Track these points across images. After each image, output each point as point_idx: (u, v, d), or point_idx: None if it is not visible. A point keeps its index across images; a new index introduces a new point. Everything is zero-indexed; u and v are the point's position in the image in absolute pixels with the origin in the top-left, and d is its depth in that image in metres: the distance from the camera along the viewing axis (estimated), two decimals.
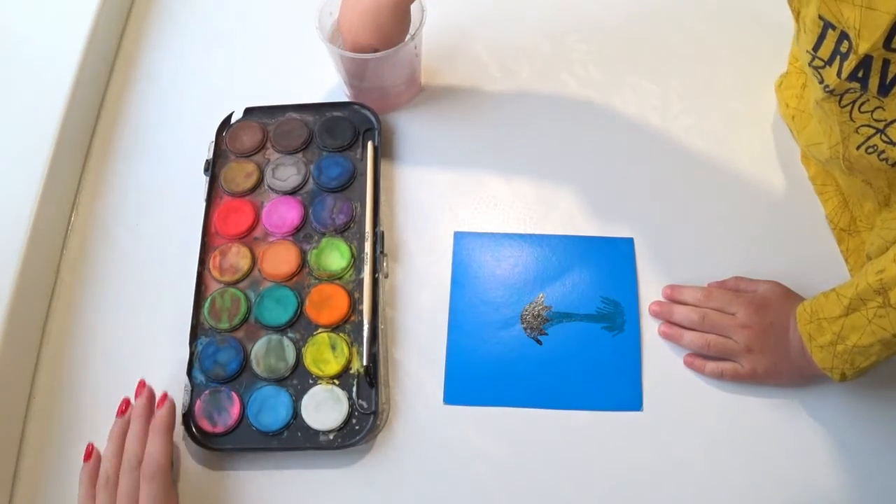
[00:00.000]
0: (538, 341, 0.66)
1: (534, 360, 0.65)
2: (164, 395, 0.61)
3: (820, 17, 0.50)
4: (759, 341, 0.62)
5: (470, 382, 0.64)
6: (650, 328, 0.66)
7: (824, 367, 0.57)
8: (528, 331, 0.66)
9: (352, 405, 0.62)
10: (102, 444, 0.60)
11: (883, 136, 0.52)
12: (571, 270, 0.69)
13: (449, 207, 0.72)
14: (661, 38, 0.81)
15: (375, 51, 0.69)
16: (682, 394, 0.63)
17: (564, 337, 0.66)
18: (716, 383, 0.63)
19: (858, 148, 0.55)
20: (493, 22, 0.84)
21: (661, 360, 0.65)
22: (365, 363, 0.63)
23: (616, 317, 0.66)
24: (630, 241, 0.70)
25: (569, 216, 0.72)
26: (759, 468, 0.60)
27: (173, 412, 0.61)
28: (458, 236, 0.71)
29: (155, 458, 0.56)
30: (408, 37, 0.70)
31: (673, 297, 0.66)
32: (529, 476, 0.61)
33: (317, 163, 0.73)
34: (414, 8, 0.72)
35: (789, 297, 0.63)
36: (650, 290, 0.67)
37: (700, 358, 0.64)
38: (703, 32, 0.82)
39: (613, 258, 0.69)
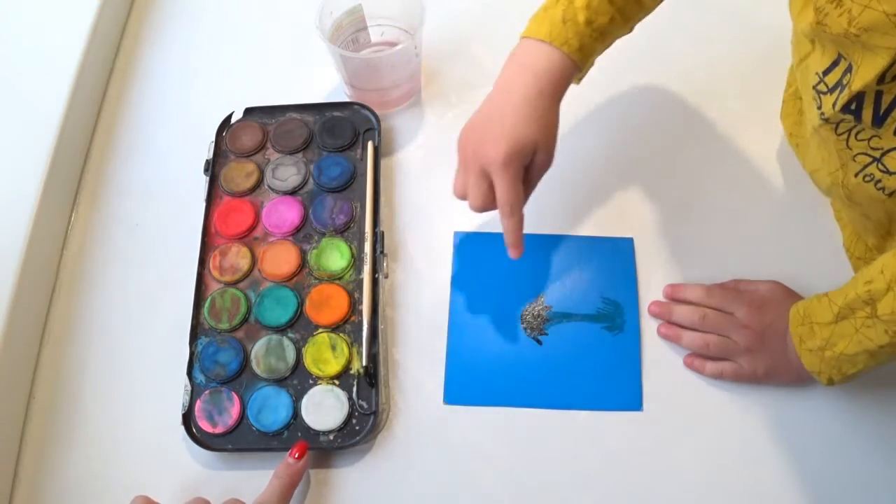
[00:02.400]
0: (538, 341, 0.66)
1: (534, 361, 0.65)
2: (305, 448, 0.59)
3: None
4: (759, 341, 0.62)
5: (470, 382, 0.64)
6: (650, 328, 0.66)
7: (812, 370, 0.57)
8: (528, 331, 0.66)
9: (352, 405, 0.62)
10: (101, 447, 0.60)
11: (879, 165, 0.52)
12: (571, 270, 0.69)
13: (449, 207, 0.72)
14: (661, 38, 0.81)
15: (536, 146, 0.60)
16: (682, 394, 0.63)
17: (564, 337, 0.66)
18: (716, 383, 0.63)
19: (857, 175, 0.55)
20: (493, 22, 0.84)
21: (661, 360, 0.65)
22: (365, 363, 0.63)
23: (616, 317, 0.66)
24: (630, 241, 0.70)
25: (569, 216, 0.71)
26: (759, 468, 0.60)
27: (304, 470, 0.59)
28: (458, 236, 0.71)
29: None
30: (409, 38, 0.70)
31: (673, 295, 0.66)
32: (529, 476, 0.61)
33: (317, 163, 0.73)
34: (414, 8, 0.72)
35: (789, 298, 0.63)
36: (650, 290, 0.67)
37: (700, 358, 0.64)
38: (704, 32, 0.82)
39: (613, 258, 0.69)
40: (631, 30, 0.65)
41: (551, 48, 0.59)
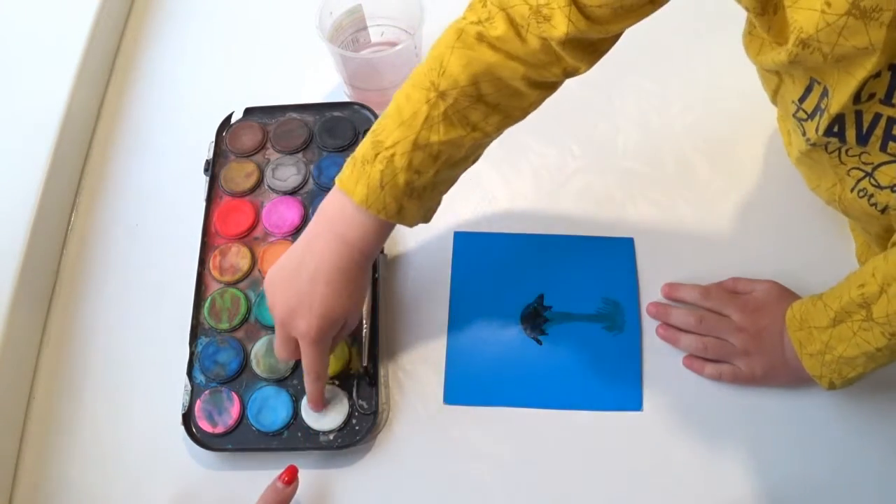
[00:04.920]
0: (538, 341, 0.66)
1: (534, 360, 0.65)
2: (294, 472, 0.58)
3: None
4: (756, 344, 0.62)
5: (470, 382, 0.64)
6: (650, 328, 0.66)
7: (814, 374, 0.57)
8: (528, 331, 0.66)
9: (352, 405, 0.62)
10: (101, 446, 0.60)
11: (871, 180, 0.52)
12: (571, 270, 0.68)
13: (449, 207, 0.72)
14: (661, 38, 0.81)
15: (346, 317, 0.58)
16: (682, 394, 0.63)
17: (564, 337, 0.66)
18: (715, 383, 0.63)
19: (852, 191, 0.54)
20: None
21: (661, 360, 0.65)
22: (365, 363, 0.63)
23: (616, 317, 0.66)
24: (630, 241, 0.70)
25: (569, 216, 0.71)
26: (759, 468, 0.60)
27: (293, 494, 0.58)
28: (458, 236, 0.71)
29: None
30: (409, 38, 0.70)
31: (670, 295, 0.66)
32: (529, 476, 0.60)
33: (317, 163, 0.73)
34: (414, 8, 0.72)
35: (785, 299, 0.62)
36: (650, 290, 0.67)
37: (699, 360, 0.64)
38: (704, 32, 0.82)
39: (613, 258, 0.69)
40: (473, 163, 0.60)
41: (367, 215, 0.55)
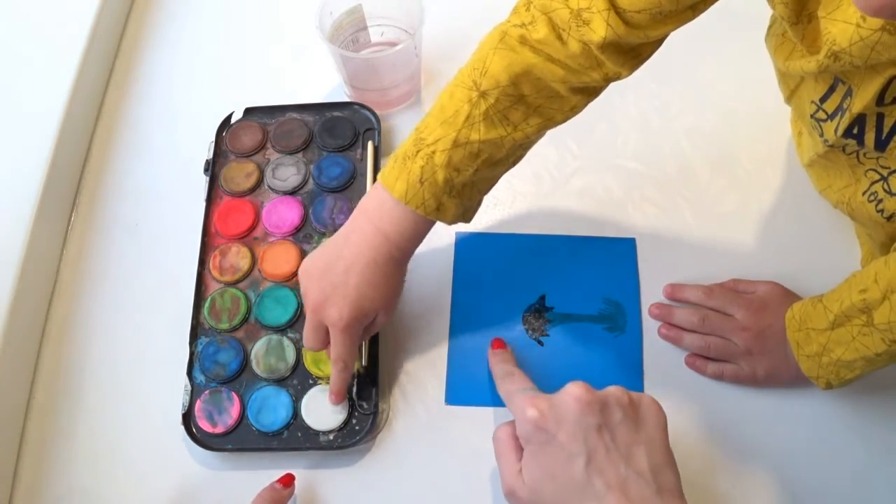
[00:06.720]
0: (539, 342, 0.65)
1: (535, 361, 0.64)
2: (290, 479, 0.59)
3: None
4: (759, 344, 0.62)
5: (471, 383, 0.64)
6: (651, 329, 0.66)
7: (810, 375, 0.57)
8: (530, 332, 0.66)
9: (352, 405, 0.62)
10: (101, 447, 0.59)
11: (885, 185, 0.51)
12: (573, 271, 0.68)
13: None
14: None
15: (378, 311, 0.59)
16: (682, 394, 0.63)
17: (566, 338, 0.65)
18: (716, 384, 0.63)
19: (864, 194, 0.54)
20: (493, 22, 0.84)
21: (662, 360, 0.65)
22: (365, 363, 0.63)
23: (617, 317, 0.66)
24: (631, 242, 0.70)
25: (570, 216, 0.71)
26: (760, 468, 0.60)
27: (289, 497, 0.58)
28: (459, 236, 0.70)
29: None
30: (409, 38, 0.70)
31: (673, 295, 0.66)
32: None
33: (317, 163, 0.73)
34: (414, 8, 0.72)
35: (788, 299, 0.63)
36: (651, 291, 0.67)
37: (701, 359, 0.64)
38: (704, 32, 0.82)
39: (615, 259, 0.69)
40: (514, 164, 0.60)
41: (406, 210, 0.56)
